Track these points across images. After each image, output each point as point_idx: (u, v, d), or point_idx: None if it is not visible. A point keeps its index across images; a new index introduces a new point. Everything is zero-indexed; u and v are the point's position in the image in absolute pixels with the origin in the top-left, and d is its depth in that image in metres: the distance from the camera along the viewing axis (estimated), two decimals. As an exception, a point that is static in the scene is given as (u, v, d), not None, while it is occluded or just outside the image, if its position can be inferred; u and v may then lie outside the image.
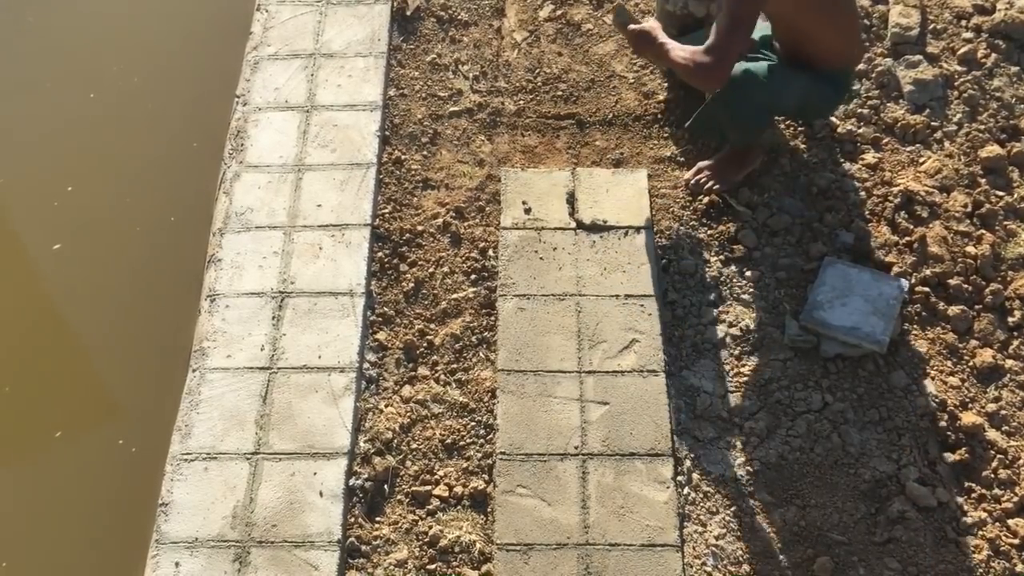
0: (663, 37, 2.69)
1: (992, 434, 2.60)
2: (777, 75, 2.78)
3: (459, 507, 2.54)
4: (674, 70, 2.79)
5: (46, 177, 3.47)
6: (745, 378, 2.71)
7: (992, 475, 2.54)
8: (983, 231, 2.94)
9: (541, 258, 2.91)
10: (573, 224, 2.98)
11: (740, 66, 2.75)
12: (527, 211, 3.01)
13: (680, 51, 2.62)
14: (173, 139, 3.54)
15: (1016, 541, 2.44)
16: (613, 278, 2.86)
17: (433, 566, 2.44)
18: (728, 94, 2.75)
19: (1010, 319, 2.80)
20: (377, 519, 2.52)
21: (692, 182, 3.06)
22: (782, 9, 2.66)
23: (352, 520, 2.50)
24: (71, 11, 4.01)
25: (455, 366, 2.77)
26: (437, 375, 2.76)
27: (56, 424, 2.94)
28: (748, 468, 2.56)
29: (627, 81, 3.36)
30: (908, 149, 3.15)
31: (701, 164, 3.08)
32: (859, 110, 3.22)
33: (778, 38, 2.83)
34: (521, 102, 3.33)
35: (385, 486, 2.56)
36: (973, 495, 2.52)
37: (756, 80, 2.75)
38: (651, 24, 2.75)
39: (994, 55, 3.30)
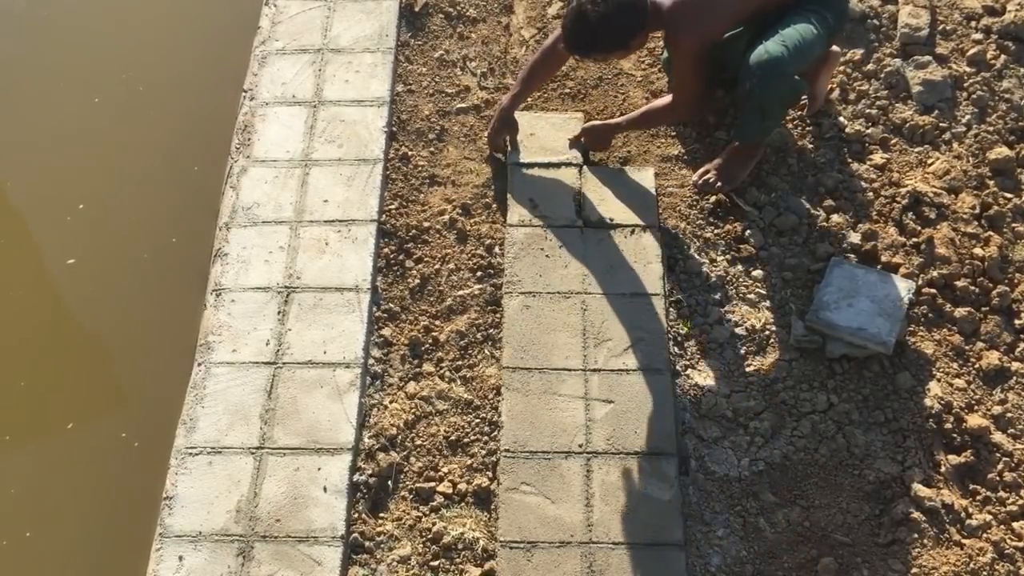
0: (611, 120, 3.09)
1: (998, 436, 2.60)
2: (792, 39, 2.74)
3: (463, 504, 2.54)
4: (652, 127, 3.18)
5: (50, 174, 3.47)
6: (750, 378, 2.71)
7: (997, 478, 2.54)
8: (991, 233, 2.93)
9: (547, 256, 2.91)
10: (580, 222, 2.97)
11: (762, 54, 2.71)
12: (534, 208, 3.01)
13: (643, 115, 3.01)
14: (180, 133, 3.53)
15: (1021, 544, 2.44)
16: (619, 276, 2.86)
17: (436, 563, 2.44)
18: (763, 85, 2.73)
19: (1017, 321, 2.79)
20: (381, 515, 2.52)
21: (700, 181, 3.06)
22: None
23: (356, 516, 2.50)
24: (78, 5, 4.02)
25: (460, 363, 2.77)
26: (442, 372, 2.75)
27: (63, 418, 2.95)
28: (752, 468, 2.56)
29: (635, 79, 3.35)
30: (916, 150, 3.14)
31: (708, 164, 3.08)
32: (867, 110, 3.21)
33: None
34: (528, 99, 3.32)
35: (389, 482, 2.56)
36: (978, 497, 2.52)
37: (780, 58, 2.71)
38: (586, 125, 3.11)
39: (1003, 56, 3.28)
